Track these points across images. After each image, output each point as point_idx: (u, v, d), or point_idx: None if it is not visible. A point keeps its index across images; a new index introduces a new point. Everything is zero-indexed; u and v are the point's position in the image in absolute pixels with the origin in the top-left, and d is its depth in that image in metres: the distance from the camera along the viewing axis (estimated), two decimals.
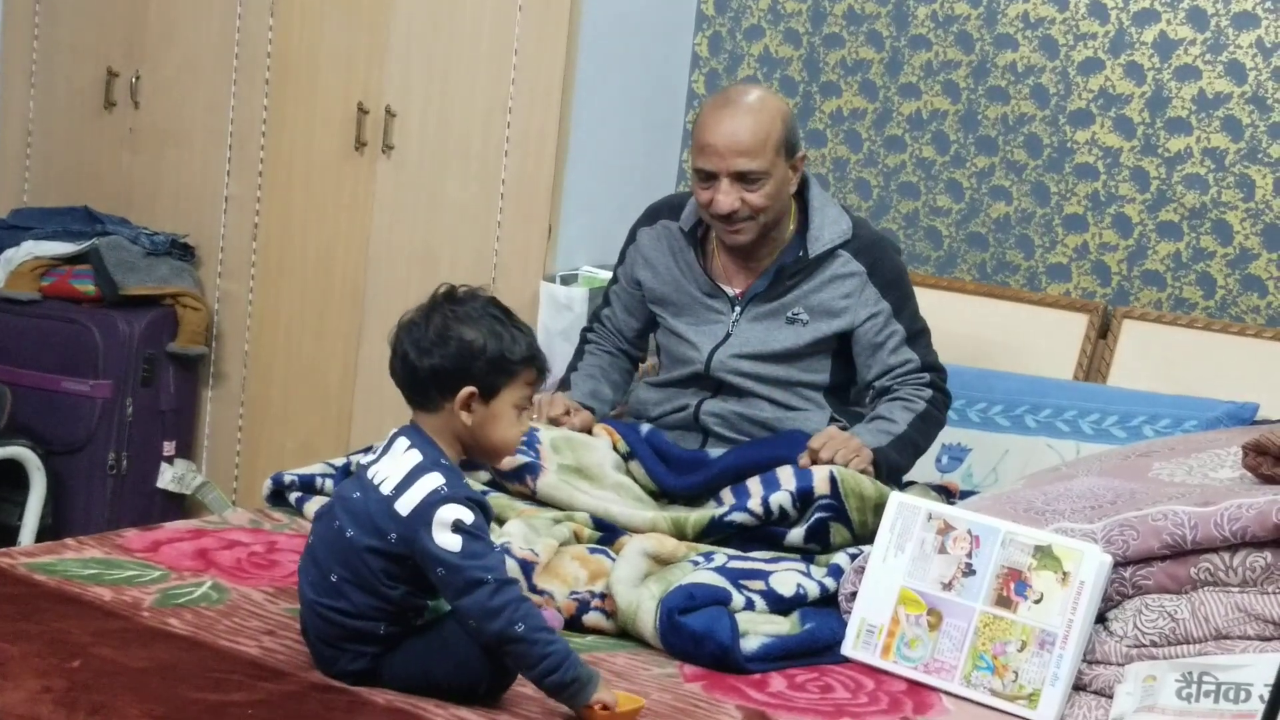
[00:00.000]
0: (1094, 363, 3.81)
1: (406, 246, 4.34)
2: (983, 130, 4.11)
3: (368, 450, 2.62)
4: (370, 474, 2.37)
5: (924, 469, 3.61)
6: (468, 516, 2.27)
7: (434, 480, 2.30)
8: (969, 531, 2.66)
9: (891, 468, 3.15)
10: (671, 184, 4.55)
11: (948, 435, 3.68)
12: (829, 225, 3.31)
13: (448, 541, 2.26)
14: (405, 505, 2.29)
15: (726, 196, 3.18)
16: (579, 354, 3.62)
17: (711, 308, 3.38)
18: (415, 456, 2.34)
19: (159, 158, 4.76)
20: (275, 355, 4.59)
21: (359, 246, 4.41)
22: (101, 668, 2.28)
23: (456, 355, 2.34)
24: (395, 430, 2.43)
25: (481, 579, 2.24)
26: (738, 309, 3.35)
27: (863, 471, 3.01)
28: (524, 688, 2.39)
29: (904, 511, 2.73)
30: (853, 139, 4.31)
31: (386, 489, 2.32)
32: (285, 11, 4.49)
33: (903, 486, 3.21)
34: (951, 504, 2.97)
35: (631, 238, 3.54)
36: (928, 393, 3.28)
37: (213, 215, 4.68)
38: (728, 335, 3.35)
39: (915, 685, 2.60)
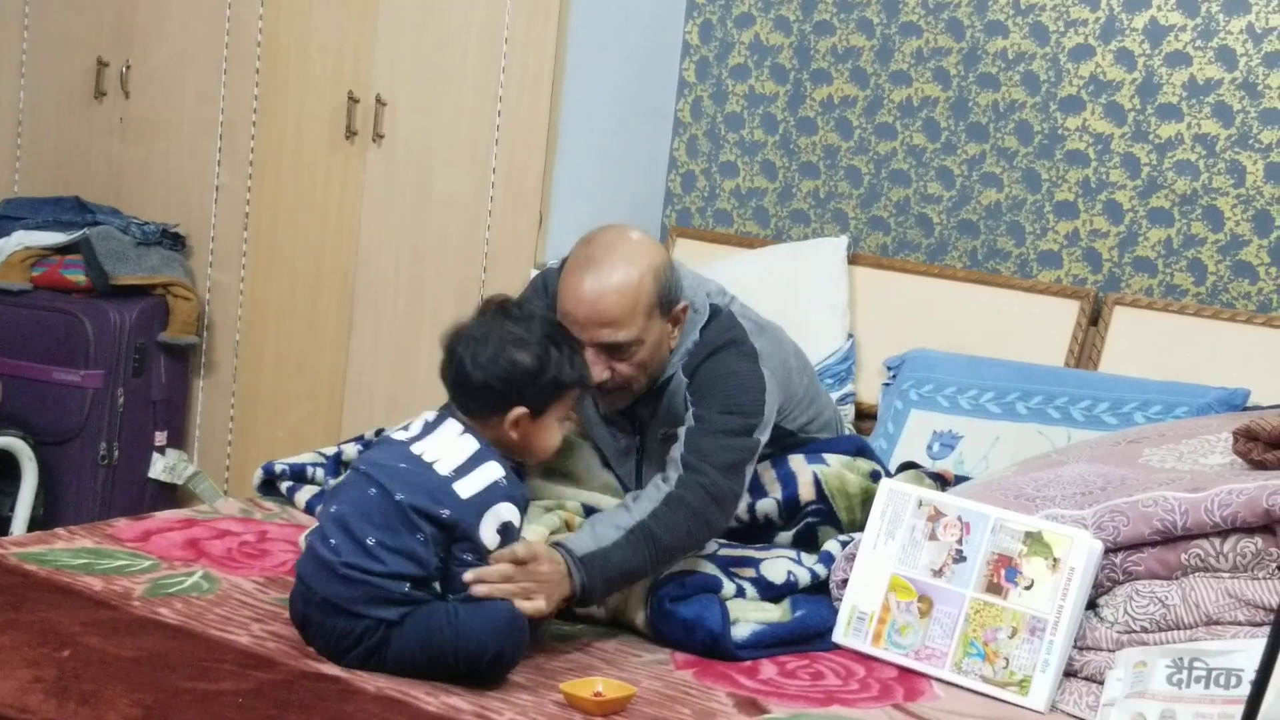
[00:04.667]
0: (1085, 349, 3.81)
1: (397, 235, 4.34)
2: (973, 117, 4.11)
3: (399, 429, 2.54)
4: (416, 450, 2.43)
5: (915, 457, 3.61)
6: (516, 519, 2.41)
7: (495, 470, 2.41)
8: (959, 518, 2.66)
9: (609, 580, 2.59)
10: (662, 173, 4.55)
11: (939, 423, 3.68)
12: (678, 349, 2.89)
13: (489, 538, 2.39)
14: (467, 489, 2.38)
15: (592, 369, 2.70)
16: None
17: (619, 441, 3.01)
18: (472, 443, 2.43)
19: (149, 147, 4.76)
20: (266, 344, 4.59)
21: (350, 236, 4.41)
22: (92, 657, 2.28)
23: (510, 378, 2.45)
24: (439, 411, 2.51)
25: None
26: (638, 436, 2.99)
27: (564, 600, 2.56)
28: (517, 675, 2.40)
29: (894, 499, 2.74)
30: (843, 126, 4.30)
31: (444, 469, 2.39)
32: (274, 0, 4.49)
33: (894, 473, 3.21)
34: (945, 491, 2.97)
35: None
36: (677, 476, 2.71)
37: (203, 205, 4.67)
38: (639, 458, 3.02)
39: (906, 672, 2.60)
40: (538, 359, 2.46)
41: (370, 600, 2.35)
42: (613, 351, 2.76)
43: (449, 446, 2.43)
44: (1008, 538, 2.60)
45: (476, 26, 4.20)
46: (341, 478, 2.54)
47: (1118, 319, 3.78)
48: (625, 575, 2.60)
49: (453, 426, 2.46)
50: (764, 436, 2.81)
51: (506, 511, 2.40)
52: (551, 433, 2.54)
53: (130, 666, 2.26)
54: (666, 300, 2.80)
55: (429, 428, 2.48)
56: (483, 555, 2.39)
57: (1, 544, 2.76)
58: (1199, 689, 2.31)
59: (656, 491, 2.67)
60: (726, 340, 2.84)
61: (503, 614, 2.38)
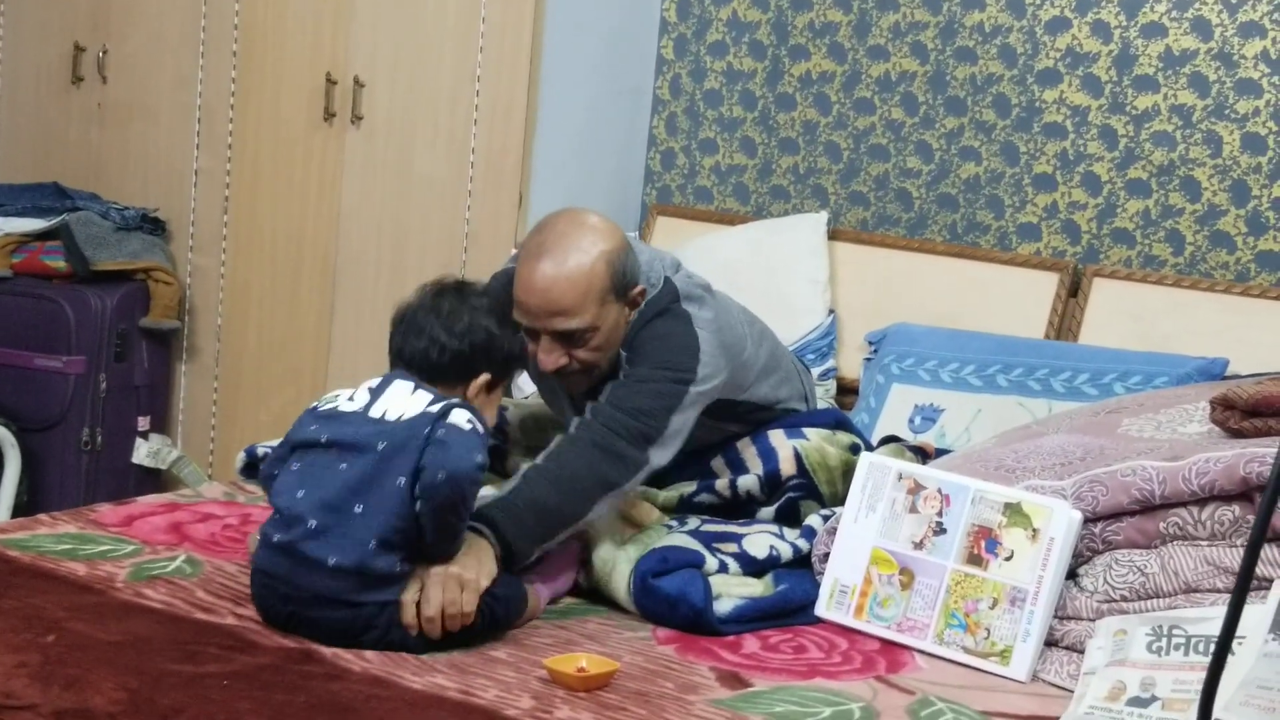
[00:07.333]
0: (1065, 321, 3.82)
1: (377, 217, 4.34)
2: (951, 91, 4.12)
3: (342, 399, 2.52)
4: (374, 412, 2.44)
5: (897, 431, 3.62)
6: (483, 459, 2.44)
7: (464, 414, 2.42)
8: (939, 490, 2.67)
9: (513, 515, 2.59)
10: (641, 151, 4.55)
11: (921, 396, 3.69)
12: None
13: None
14: (440, 430, 2.39)
15: (549, 355, 2.75)
16: None
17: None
18: (425, 394, 2.46)
19: (128, 132, 4.75)
20: (248, 328, 4.59)
21: (329, 218, 4.41)
22: (76, 642, 2.28)
23: (483, 345, 2.56)
24: (380, 378, 2.52)
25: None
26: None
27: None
28: (500, 652, 2.41)
29: (874, 472, 2.75)
30: (822, 102, 4.30)
31: (412, 416, 2.42)
32: None
33: (876, 447, 3.22)
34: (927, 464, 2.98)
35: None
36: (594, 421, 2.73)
37: (183, 189, 4.67)
38: None
39: (888, 644, 2.61)
40: (501, 327, 2.61)
41: (366, 587, 2.35)
42: (567, 339, 2.74)
43: (406, 401, 2.45)
44: (987, 509, 2.61)
45: (454, 6, 4.19)
46: (294, 459, 2.48)
47: (1097, 290, 3.79)
48: (531, 508, 2.57)
49: (401, 385, 2.49)
50: (701, 389, 2.79)
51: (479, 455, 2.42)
52: (494, 408, 2.65)
53: (115, 650, 2.27)
54: (621, 284, 2.77)
55: (376, 393, 2.50)
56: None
57: None
58: (1179, 656, 2.33)
59: (555, 441, 2.74)
60: (660, 309, 2.85)
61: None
